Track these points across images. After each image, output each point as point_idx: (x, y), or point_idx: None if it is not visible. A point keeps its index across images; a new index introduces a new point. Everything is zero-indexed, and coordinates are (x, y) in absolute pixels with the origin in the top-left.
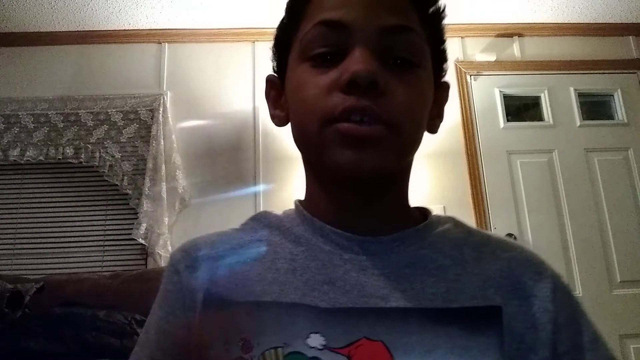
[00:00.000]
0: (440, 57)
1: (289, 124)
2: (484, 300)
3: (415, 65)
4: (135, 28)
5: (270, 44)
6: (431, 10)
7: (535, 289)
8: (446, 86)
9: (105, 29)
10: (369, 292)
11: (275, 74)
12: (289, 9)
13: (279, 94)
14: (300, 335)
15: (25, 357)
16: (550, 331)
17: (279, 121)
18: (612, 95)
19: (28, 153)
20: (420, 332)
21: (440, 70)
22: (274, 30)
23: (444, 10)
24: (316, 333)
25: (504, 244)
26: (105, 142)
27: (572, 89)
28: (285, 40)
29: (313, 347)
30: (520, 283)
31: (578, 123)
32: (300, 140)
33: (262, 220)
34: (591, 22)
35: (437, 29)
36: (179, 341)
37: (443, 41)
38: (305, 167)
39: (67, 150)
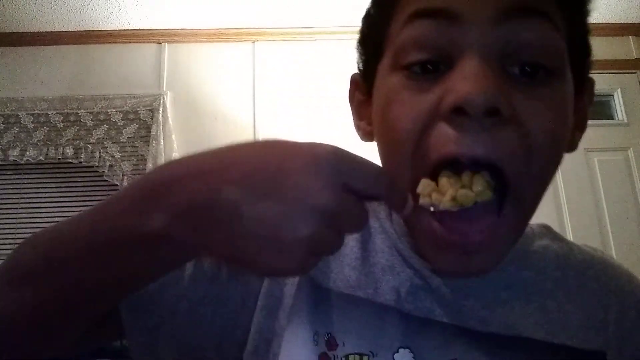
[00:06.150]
0: (581, 50)
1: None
2: (586, 342)
3: (549, 74)
4: (135, 28)
5: (273, 43)
6: None
7: (634, 332)
8: (590, 85)
9: (105, 29)
10: (467, 311)
11: (362, 75)
12: None
13: (366, 102)
14: (389, 347)
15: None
16: None
17: (364, 135)
18: (612, 95)
19: (28, 153)
20: None
21: (581, 69)
22: (274, 30)
23: None
24: (406, 348)
25: (608, 268)
26: (105, 142)
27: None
28: (373, 37)
29: None
30: (620, 323)
31: None
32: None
33: None
34: (591, 22)
35: (580, 13)
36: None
37: (586, 29)
38: None
39: (67, 150)
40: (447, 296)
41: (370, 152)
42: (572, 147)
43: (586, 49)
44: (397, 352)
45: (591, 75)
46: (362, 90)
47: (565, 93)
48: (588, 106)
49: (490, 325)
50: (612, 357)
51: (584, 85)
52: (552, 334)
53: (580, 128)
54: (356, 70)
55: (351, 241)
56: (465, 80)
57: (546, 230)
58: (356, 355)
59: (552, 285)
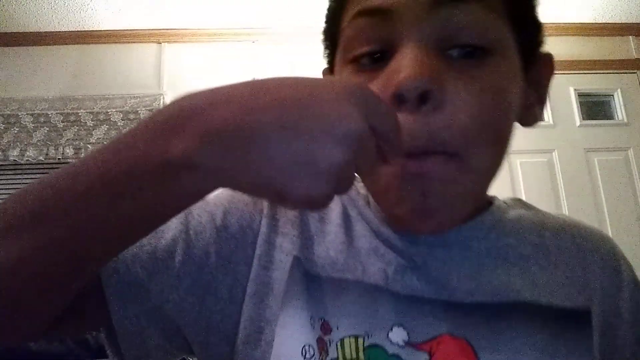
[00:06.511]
0: (527, 24)
1: None
2: (571, 301)
3: (487, 52)
4: (135, 28)
5: (273, 43)
6: None
7: (612, 290)
8: (547, 59)
9: (105, 29)
10: (453, 285)
11: (328, 68)
12: None
13: None
14: (382, 326)
15: (26, 358)
16: (624, 334)
17: None
18: (612, 95)
19: (28, 153)
20: (509, 330)
21: (530, 43)
22: (273, 31)
23: None
24: (399, 326)
25: (581, 230)
26: (105, 142)
27: (572, 89)
28: (330, 32)
29: (394, 343)
30: (600, 281)
31: (578, 123)
32: None
33: None
34: (591, 22)
35: None
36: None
37: (531, 4)
38: None
39: (67, 150)
40: (433, 272)
41: None
42: (531, 120)
43: (533, 23)
44: (391, 330)
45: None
46: None
47: (504, 71)
48: (548, 80)
49: (476, 295)
50: (595, 314)
51: (537, 58)
52: (537, 295)
53: (540, 101)
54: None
55: (334, 227)
56: (401, 68)
57: (518, 201)
58: (351, 338)
59: (532, 250)
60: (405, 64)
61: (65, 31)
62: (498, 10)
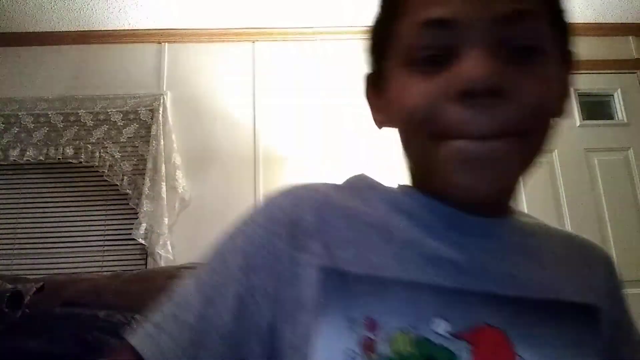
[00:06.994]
0: (561, 27)
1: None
2: (584, 298)
3: (540, 52)
4: (135, 28)
5: (273, 43)
6: None
7: (610, 290)
8: (570, 56)
9: (105, 29)
10: (491, 277)
11: (373, 72)
12: (384, 2)
13: (378, 95)
14: (425, 318)
15: (26, 358)
16: (626, 329)
17: (380, 125)
18: (612, 95)
19: (28, 153)
20: (539, 323)
21: (563, 43)
22: (274, 30)
23: None
24: (441, 318)
25: (581, 240)
26: (105, 142)
27: (572, 89)
28: (381, 38)
29: (439, 334)
30: (604, 283)
31: (578, 123)
32: (406, 152)
33: (366, 184)
34: (591, 22)
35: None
36: (257, 314)
37: (563, 10)
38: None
39: (67, 150)
40: (472, 263)
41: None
42: (561, 112)
43: (566, 27)
44: (434, 322)
45: (595, 73)
46: (373, 86)
47: (552, 68)
48: (569, 75)
49: (510, 289)
50: (602, 310)
51: (565, 57)
52: (558, 292)
53: (567, 95)
54: (354, 70)
55: (364, 227)
56: (472, 68)
57: (521, 212)
58: (399, 332)
59: (548, 252)
60: (475, 64)
61: (65, 31)
62: (547, 20)
